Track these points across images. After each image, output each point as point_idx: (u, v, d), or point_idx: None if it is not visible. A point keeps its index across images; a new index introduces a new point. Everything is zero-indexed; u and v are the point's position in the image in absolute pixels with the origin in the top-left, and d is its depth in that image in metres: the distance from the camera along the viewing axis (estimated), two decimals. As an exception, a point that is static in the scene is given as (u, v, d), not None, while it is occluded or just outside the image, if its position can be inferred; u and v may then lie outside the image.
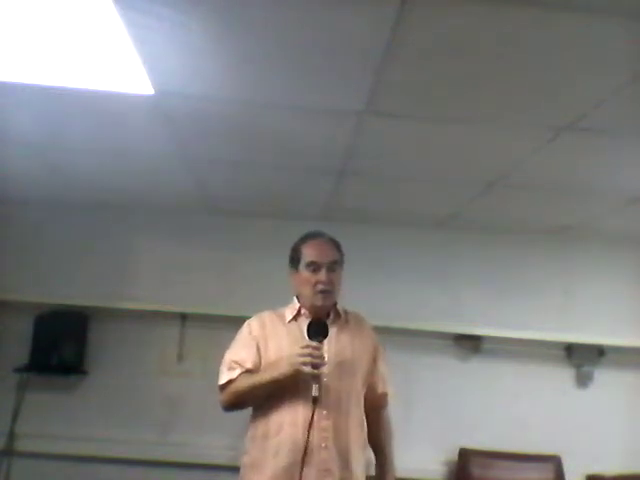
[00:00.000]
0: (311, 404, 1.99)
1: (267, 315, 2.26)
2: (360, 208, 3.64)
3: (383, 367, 2.32)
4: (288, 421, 2.05)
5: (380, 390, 2.30)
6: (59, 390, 3.78)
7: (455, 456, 3.73)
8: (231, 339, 2.25)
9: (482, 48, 1.73)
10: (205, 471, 3.61)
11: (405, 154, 2.66)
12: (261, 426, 2.11)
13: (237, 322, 2.26)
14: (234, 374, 2.09)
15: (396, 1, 1.51)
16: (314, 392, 1.96)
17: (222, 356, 2.20)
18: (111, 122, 2.46)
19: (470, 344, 3.86)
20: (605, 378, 3.86)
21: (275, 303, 2.31)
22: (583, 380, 3.88)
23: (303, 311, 2.19)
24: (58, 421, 3.68)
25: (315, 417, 1.99)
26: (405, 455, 3.73)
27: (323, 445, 2.03)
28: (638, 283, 3.95)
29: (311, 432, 1.99)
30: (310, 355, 1.96)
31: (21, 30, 1.76)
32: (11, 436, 3.61)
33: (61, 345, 3.65)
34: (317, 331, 2.04)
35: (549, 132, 2.28)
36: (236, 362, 2.11)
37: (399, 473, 3.62)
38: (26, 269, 3.83)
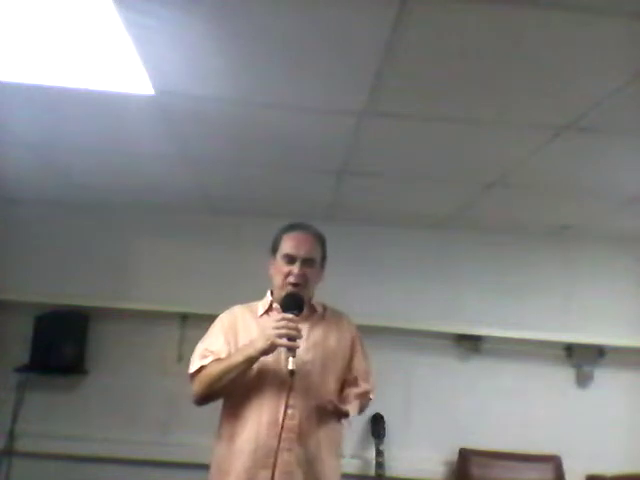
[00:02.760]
0: (278, 407, 1.94)
1: (239, 309, 2.21)
2: (360, 208, 3.64)
3: (362, 363, 2.22)
4: (252, 420, 1.99)
5: (354, 379, 2.18)
6: (59, 390, 3.78)
7: (455, 456, 3.73)
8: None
9: (482, 48, 1.72)
10: (205, 471, 3.59)
11: (405, 154, 2.66)
12: (227, 426, 2.06)
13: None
14: (206, 361, 2.03)
15: (396, 1, 1.51)
16: (290, 365, 1.86)
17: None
18: (111, 122, 2.46)
19: (470, 344, 3.86)
20: (605, 378, 3.86)
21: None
22: (583, 380, 3.88)
23: (275, 305, 2.13)
24: (58, 421, 3.69)
25: (280, 417, 1.92)
26: (405, 455, 3.76)
27: (287, 447, 1.94)
28: (638, 283, 3.95)
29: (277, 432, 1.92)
30: (285, 327, 1.88)
31: (21, 30, 1.76)
32: (11, 436, 3.61)
33: (61, 345, 3.65)
34: (291, 304, 1.97)
35: (549, 132, 2.28)
36: (210, 351, 2.06)
37: (399, 473, 3.65)
38: (26, 269, 3.83)
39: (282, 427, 1.91)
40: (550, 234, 3.91)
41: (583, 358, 3.86)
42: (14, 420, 3.62)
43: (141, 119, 2.39)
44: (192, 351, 3.89)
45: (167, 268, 3.91)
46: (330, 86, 2.02)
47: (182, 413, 3.76)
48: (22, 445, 3.62)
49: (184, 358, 3.82)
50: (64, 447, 3.61)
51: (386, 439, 3.69)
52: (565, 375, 3.89)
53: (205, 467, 3.83)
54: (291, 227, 2.18)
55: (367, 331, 3.67)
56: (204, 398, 2.05)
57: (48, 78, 2.06)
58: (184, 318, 3.82)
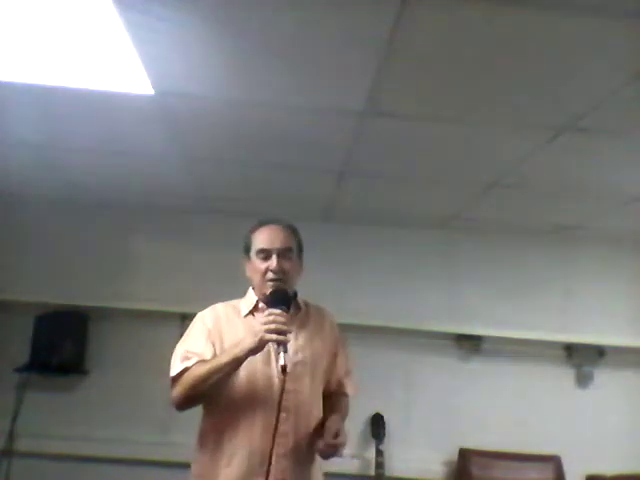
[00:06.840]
0: (272, 410, 1.85)
1: (221, 308, 2.10)
2: (360, 208, 3.64)
3: (343, 361, 2.17)
4: (244, 426, 1.90)
5: (337, 380, 2.14)
6: (59, 390, 3.78)
7: (455, 456, 3.73)
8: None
9: (482, 48, 1.73)
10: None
11: (405, 154, 2.66)
12: (212, 432, 1.96)
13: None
14: (189, 363, 1.92)
15: (396, 1, 1.51)
16: (282, 361, 1.76)
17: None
18: (111, 122, 2.46)
19: (470, 344, 3.87)
20: (605, 378, 3.86)
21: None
22: (583, 380, 3.88)
23: (261, 305, 2.02)
24: (58, 421, 3.69)
25: (274, 420, 1.83)
26: (405, 455, 3.76)
27: (282, 452, 1.87)
28: (638, 283, 3.95)
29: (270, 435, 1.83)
30: (274, 322, 1.79)
31: (21, 30, 1.76)
32: (11, 436, 3.60)
33: (61, 345, 3.65)
34: (278, 300, 1.89)
35: (549, 132, 2.28)
36: (193, 353, 1.95)
37: (399, 473, 3.65)
38: (26, 269, 3.83)
39: (275, 431, 1.82)
40: (550, 234, 3.91)
41: (583, 358, 3.86)
42: (14, 420, 3.62)
43: (141, 119, 2.39)
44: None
45: (167, 268, 3.91)
46: (330, 86, 2.02)
47: (182, 413, 3.76)
48: (22, 445, 3.61)
49: (184, 358, 3.83)
50: (64, 447, 3.61)
51: (386, 439, 3.69)
52: (565, 375, 3.89)
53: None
54: (260, 223, 2.10)
55: (367, 331, 3.70)
56: (186, 401, 1.95)
57: (48, 78, 2.06)
58: (184, 318, 3.81)
